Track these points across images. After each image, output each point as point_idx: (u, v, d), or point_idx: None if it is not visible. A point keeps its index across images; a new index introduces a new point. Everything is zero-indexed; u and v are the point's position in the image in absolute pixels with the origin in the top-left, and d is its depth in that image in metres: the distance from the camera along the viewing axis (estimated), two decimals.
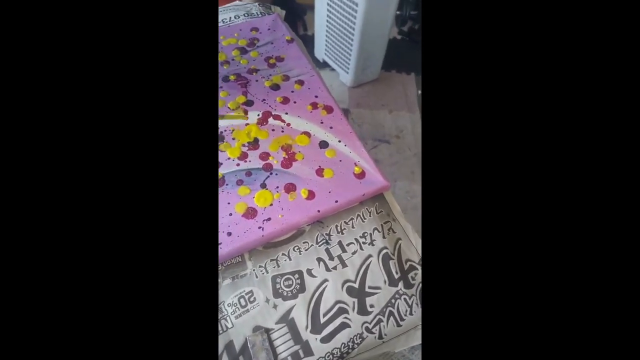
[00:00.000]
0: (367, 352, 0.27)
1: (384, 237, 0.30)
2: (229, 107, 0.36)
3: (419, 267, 0.30)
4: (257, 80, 0.39)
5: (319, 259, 0.29)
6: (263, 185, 0.31)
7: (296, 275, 0.28)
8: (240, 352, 0.26)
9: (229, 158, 0.33)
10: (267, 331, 0.26)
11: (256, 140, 0.34)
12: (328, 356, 0.26)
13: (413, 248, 0.31)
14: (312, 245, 0.30)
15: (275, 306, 0.27)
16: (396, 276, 0.29)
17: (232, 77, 0.39)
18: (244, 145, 0.34)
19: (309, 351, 0.26)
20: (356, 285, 0.28)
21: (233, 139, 0.34)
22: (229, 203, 0.30)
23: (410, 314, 0.28)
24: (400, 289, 0.29)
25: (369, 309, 0.28)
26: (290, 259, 0.29)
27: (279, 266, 0.29)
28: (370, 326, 0.28)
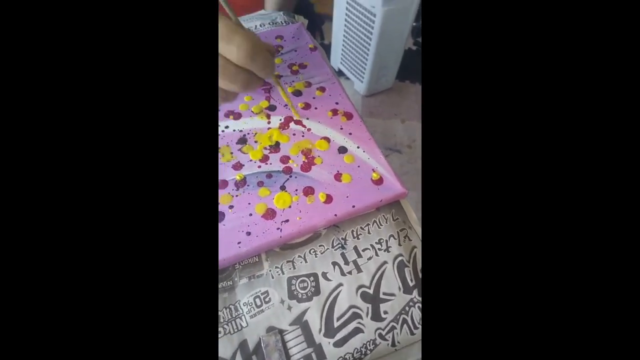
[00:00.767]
0: None
1: (399, 244, 0.31)
2: (252, 111, 0.37)
3: None
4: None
5: (334, 263, 0.29)
6: (282, 188, 0.32)
7: (311, 278, 0.29)
8: (253, 352, 0.26)
9: (250, 160, 0.34)
10: (281, 332, 0.27)
11: (277, 143, 0.35)
12: None
13: None
14: (328, 248, 0.30)
15: (289, 307, 0.28)
16: (411, 284, 0.29)
17: None
18: (265, 148, 0.35)
19: (321, 354, 0.26)
20: (371, 291, 0.29)
21: (255, 142, 0.35)
22: (249, 203, 0.31)
23: None
24: (415, 297, 0.29)
25: (383, 315, 0.28)
26: (306, 261, 0.29)
27: (294, 268, 0.29)
28: (383, 333, 0.28)
